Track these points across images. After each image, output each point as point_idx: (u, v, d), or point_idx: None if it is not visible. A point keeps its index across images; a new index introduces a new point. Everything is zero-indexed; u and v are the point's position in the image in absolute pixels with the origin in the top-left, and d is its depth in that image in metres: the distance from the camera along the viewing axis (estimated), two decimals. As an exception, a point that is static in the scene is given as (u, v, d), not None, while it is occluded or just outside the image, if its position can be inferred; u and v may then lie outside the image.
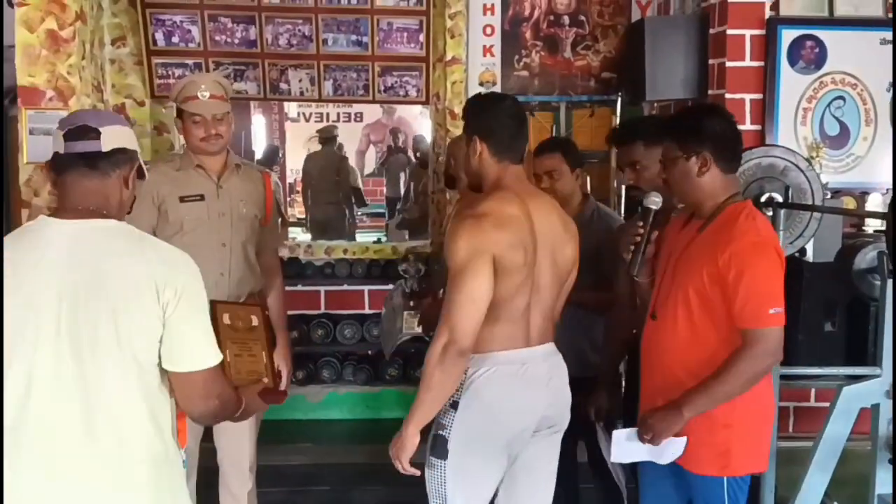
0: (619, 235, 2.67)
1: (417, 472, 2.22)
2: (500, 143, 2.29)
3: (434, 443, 2.25)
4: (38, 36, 4.01)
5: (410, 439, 2.18)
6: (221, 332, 2.12)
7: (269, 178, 3.19)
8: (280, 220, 3.52)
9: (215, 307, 2.16)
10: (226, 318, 2.21)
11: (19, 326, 1.66)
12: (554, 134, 5.04)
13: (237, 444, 3.02)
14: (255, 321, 2.28)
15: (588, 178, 4.92)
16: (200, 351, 1.77)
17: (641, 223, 2.40)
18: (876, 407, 2.98)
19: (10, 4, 4.62)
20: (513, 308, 2.22)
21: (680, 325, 2.24)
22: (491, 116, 2.30)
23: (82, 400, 1.67)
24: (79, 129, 1.75)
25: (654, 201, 2.39)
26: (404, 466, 2.20)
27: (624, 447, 2.33)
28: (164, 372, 1.76)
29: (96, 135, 1.74)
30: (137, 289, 1.68)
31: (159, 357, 1.73)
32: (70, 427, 1.67)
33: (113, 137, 1.77)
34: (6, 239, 1.75)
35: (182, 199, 2.84)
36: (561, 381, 2.34)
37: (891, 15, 4.15)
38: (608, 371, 2.90)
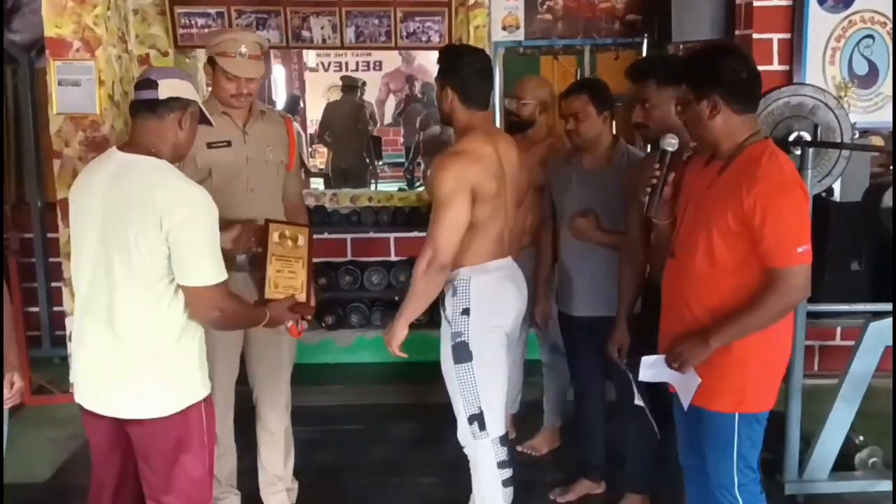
0: (635, 177, 2.70)
1: (406, 355, 2.63)
2: (466, 93, 2.62)
3: (457, 351, 2.63)
4: (63, -14, 4.03)
5: (401, 330, 2.60)
6: (269, 249, 2.60)
7: (292, 123, 3.21)
8: (302, 167, 3.56)
9: (268, 225, 2.62)
10: (275, 237, 2.62)
11: (80, 230, 2.20)
12: (578, 77, 5.01)
13: (272, 383, 3.10)
14: (300, 240, 2.64)
15: (613, 122, 4.96)
16: (200, 270, 2.14)
17: (658, 165, 2.41)
18: (901, 342, 3.02)
19: (34, -44, 4.66)
20: (492, 227, 2.63)
21: (699, 264, 2.25)
22: (459, 68, 2.62)
23: (107, 295, 2.15)
24: (143, 82, 2.20)
25: (671, 143, 2.39)
26: (395, 350, 2.62)
27: (650, 372, 2.42)
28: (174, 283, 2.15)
29: (155, 86, 2.17)
30: (146, 215, 2.07)
31: (170, 271, 2.12)
32: (101, 312, 2.17)
33: (169, 88, 2.17)
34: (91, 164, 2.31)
35: (210, 146, 2.86)
36: (524, 283, 2.81)
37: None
38: (626, 310, 2.92)
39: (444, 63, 2.67)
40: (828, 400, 3.24)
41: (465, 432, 2.69)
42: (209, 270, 2.15)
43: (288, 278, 2.64)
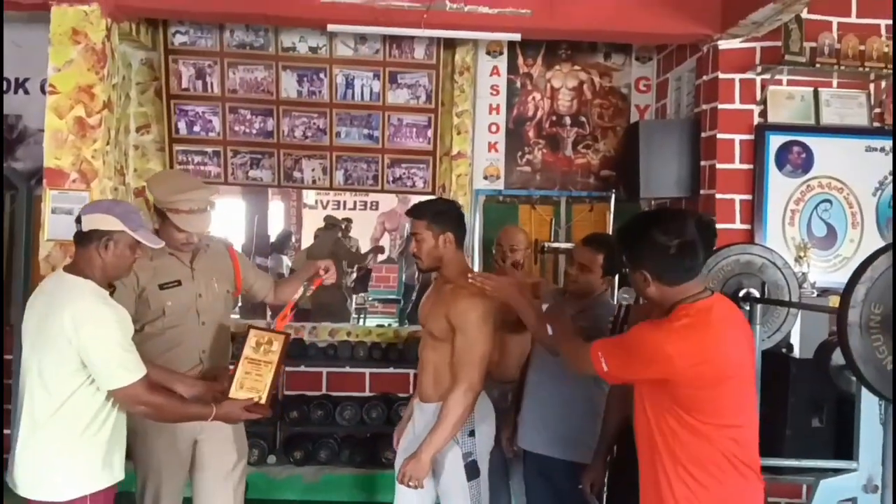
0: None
1: (424, 487, 2.88)
2: (460, 237, 3.01)
3: (469, 470, 2.91)
4: (66, 122, 4.28)
5: (429, 463, 2.86)
6: (244, 352, 2.87)
7: (234, 250, 3.35)
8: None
9: (249, 330, 2.90)
10: (253, 342, 2.89)
11: (23, 337, 2.56)
12: (553, 226, 5.21)
13: None
14: (275, 346, 2.88)
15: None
16: (114, 377, 2.48)
17: (612, 318, 2.51)
18: (853, 501, 3.02)
19: (43, 91, 4.95)
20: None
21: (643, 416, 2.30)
22: (456, 217, 3.01)
23: (29, 395, 2.51)
24: (77, 217, 2.60)
25: (624, 297, 2.51)
26: (421, 485, 2.86)
27: None
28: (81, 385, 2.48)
29: (79, 220, 2.57)
30: (56, 331, 2.44)
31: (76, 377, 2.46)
32: (24, 402, 2.52)
33: (89, 222, 2.55)
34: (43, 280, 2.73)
35: (161, 287, 3.00)
36: None
37: (876, 124, 4.34)
38: (606, 446, 2.96)
39: (445, 213, 2.99)
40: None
41: None
42: (122, 375, 2.48)
43: (254, 380, 2.85)
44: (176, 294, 3.02)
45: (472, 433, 2.92)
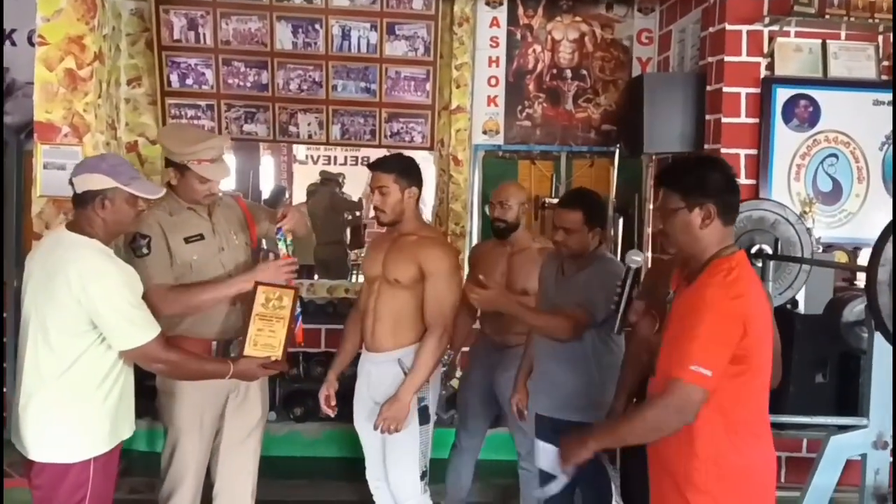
0: (654, 277, 2.73)
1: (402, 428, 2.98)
2: (420, 192, 3.13)
3: (422, 414, 3.05)
4: (56, 74, 4.16)
5: (409, 405, 2.99)
6: (254, 310, 2.81)
7: (242, 200, 3.31)
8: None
9: (256, 287, 2.82)
10: (262, 299, 2.83)
11: (24, 293, 2.50)
12: (554, 182, 5.15)
13: (237, 476, 3.12)
14: (285, 301, 2.83)
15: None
16: (127, 336, 2.44)
17: (620, 283, 2.44)
18: (863, 457, 3.03)
19: (31, 43, 4.81)
20: None
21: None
22: (419, 173, 3.11)
23: (33, 354, 2.44)
24: (69, 180, 2.54)
25: (634, 260, 2.44)
26: (401, 428, 2.97)
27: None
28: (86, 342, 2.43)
29: (71, 183, 2.51)
30: (62, 291, 2.37)
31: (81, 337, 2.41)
32: (25, 359, 2.47)
33: (80, 183, 2.49)
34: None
35: (186, 241, 2.94)
36: None
37: (884, 77, 4.28)
38: (621, 406, 2.85)
39: (412, 168, 3.08)
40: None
41: (414, 489, 3.08)
42: (135, 334, 2.44)
43: (268, 337, 2.82)
44: (200, 248, 2.95)
45: (426, 379, 3.06)
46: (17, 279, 4.82)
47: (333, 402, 3.29)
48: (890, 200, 4.23)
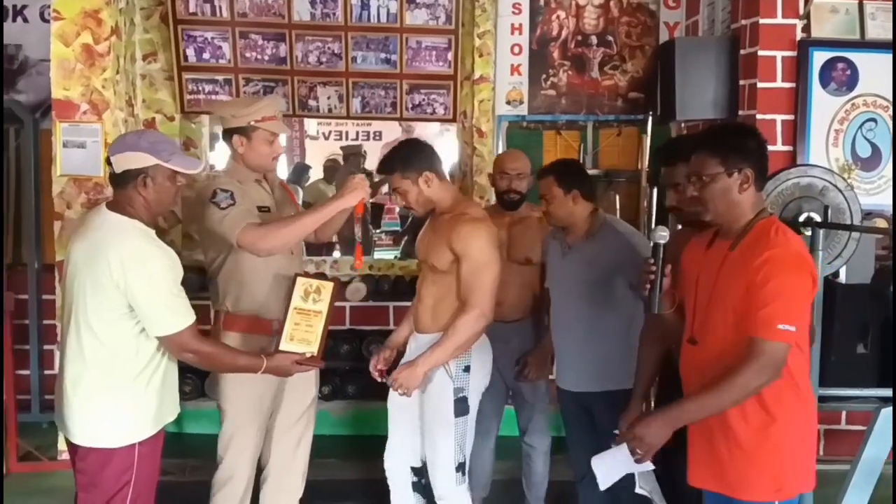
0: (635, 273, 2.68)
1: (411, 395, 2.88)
2: (438, 169, 2.91)
3: (459, 405, 2.87)
4: (73, 50, 4.06)
5: (423, 376, 2.83)
6: (292, 303, 2.74)
7: (286, 184, 3.33)
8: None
9: (296, 280, 2.76)
10: (301, 292, 2.76)
11: (67, 272, 2.45)
12: (581, 153, 5.03)
13: (290, 457, 3.15)
14: (323, 294, 2.76)
15: (617, 197, 4.96)
16: (161, 323, 2.36)
17: (652, 259, 2.37)
18: (913, 430, 2.95)
19: (43, 19, 4.71)
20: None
21: (726, 348, 2.18)
22: (425, 153, 2.91)
23: (76, 337, 2.39)
24: (107, 159, 2.47)
25: (662, 236, 2.34)
26: (409, 394, 2.85)
27: (605, 473, 2.43)
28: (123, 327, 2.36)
29: (110, 163, 2.43)
30: (103, 272, 2.30)
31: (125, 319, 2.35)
32: (69, 343, 2.42)
33: (120, 162, 2.40)
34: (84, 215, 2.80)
35: (259, 209, 2.92)
36: None
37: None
38: (642, 387, 2.81)
39: (421, 154, 2.91)
40: (835, 486, 3.15)
41: (448, 481, 2.90)
42: (169, 321, 2.37)
43: (304, 331, 2.75)
44: (269, 218, 2.92)
45: (467, 369, 2.89)
46: (36, 260, 4.77)
47: (381, 366, 3.19)
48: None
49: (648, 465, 2.29)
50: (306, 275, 2.85)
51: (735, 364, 2.10)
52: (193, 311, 2.45)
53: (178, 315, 2.38)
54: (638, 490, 2.64)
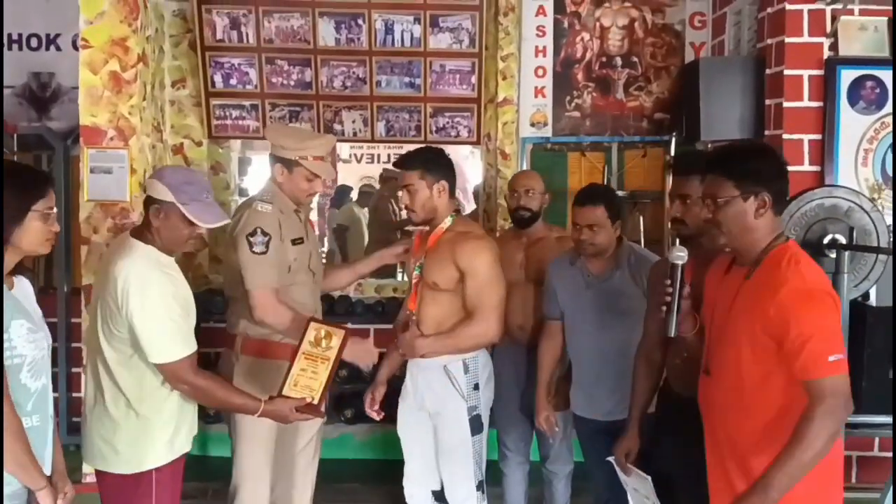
0: (653, 278, 2.63)
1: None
2: (453, 185, 2.99)
3: (474, 423, 2.93)
4: (101, 77, 4.14)
5: (422, 349, 2.92)
6: (301, 347, 2.67)
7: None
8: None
9: (308, 323, 2.69)
10: (311, 337, 2.69)
11: (93, 299, 2.50)
12: (605, 174, 4.99)
13: (296, 482, 3.14)
14: (333, 341, 2.68)
15: (641, 219, 4.91)
16: (158, 350, 2.33)
17: (669, 281, 2.29)
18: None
19: (75, 47, 4.80)
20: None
21: (739, 384, 2.12)
22: (448, 164, 2.98)
23: (92, 363, 2.44)
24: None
25: (680, 256, 2.26)
26: (413, 354, 2.96)
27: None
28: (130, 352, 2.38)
29: (145, 187, 2.55)
30: (111, 297, 2.33)
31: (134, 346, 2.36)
32: (88, 366, 2.48)
33: (149, 187, 2.47)
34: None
35: (293, 242, 2.94)
36: None
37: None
38: (638, 413, 2.75)
39: (438, 161, 2.97)
40: (870, 515, 3.06)
41: (471, 500, 2.96)
42: (165, 349, 2.34)
43: (309, 378, 2.66)
44: (299, 251, 2.97)
45: (476, 387, 2.96)
46: (66, 283, 4.84)
47: (377, 406, 3.18)
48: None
49: None
50: (320, 321, 2.78)
51: (802, 416, 1.98)
52: (196, 342, 2.43)
53: (175, 344, 2.35)
54: None
